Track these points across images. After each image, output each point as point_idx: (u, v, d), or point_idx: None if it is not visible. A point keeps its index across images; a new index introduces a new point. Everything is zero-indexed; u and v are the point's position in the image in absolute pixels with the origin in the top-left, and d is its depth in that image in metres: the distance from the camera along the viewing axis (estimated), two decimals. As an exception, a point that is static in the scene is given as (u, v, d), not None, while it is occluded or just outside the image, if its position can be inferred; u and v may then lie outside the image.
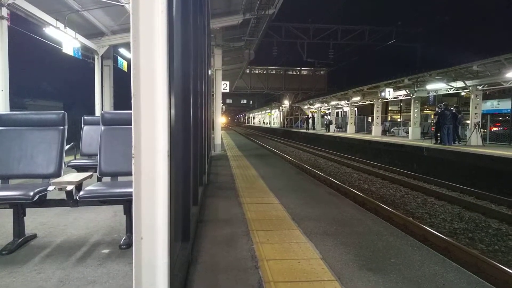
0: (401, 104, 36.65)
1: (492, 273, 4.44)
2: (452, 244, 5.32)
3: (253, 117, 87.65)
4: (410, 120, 19.57)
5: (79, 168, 4.69)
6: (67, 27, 8.97)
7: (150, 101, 1.53)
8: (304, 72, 43.46)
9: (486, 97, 24.69)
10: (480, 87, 14.85)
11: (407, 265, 2.84)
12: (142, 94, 1.52)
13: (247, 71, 36.67)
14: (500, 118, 25.51)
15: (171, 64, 1.63)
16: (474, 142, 14.32)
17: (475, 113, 14.66)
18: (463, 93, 19.43)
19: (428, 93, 19.24)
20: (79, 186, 2.90)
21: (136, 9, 1.50)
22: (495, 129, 18.83)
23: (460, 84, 15.51)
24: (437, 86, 17.15)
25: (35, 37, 8.72)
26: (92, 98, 11.47)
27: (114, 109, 12.61)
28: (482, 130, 14.82)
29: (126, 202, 3.06)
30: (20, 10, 7.28)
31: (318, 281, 2.49)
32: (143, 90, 1.52)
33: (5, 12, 6.61)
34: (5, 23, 6.64)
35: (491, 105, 26.78)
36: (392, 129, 25.10)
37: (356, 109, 29.35)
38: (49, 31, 8.35)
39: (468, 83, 14.88)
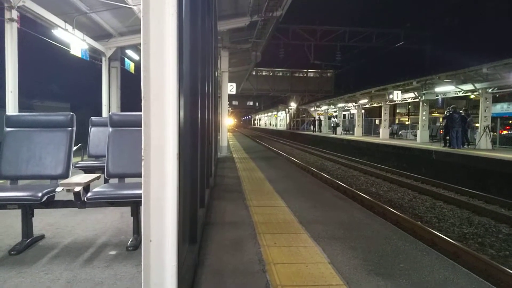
0: (409, 106, 36.45)
1: (503, 279, 4.36)
2: (462, 249, 5.24)
3: (259, 119, 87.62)
4: (418, 123, 19.40)
5: (87, 169, 4.71)
6: (75, 29, 9.05)
7: (160, 104, 1.52)
8: (311, 74, 43.31)
9: (496, 100, 24.36)
10: (489, 90, 14.65)
11: (416, 270, 2.79)
12: (152, 96, 1.52)
13: (254, 73, 36.65)
14: (510, 122, 25.16)
15: (181, 66, 1.63)
16: (483, 145, 14.14)
17: (485, 116, 14.46)
18: (472, 96, 19.20)
19: (436, 96, 19.04)
20: (86, 187, 2.91)
21: (147, 12, 1.50)
22: (505, 132, 18.55)
23: (469, 86, 15.32)
24: (446, 89, 16.98)
25: (43, 38, 8.80)
26: (99, 99, 11.55)
27: (121, 111, 12.68)
28: (491, 133, 14.63)
29: (133, 203, 3.06)
30: (30, 12, 7.36)
31: (326, 286, 2.46)
32: (153, 93, 1.52)
33: (15, 14, 6.69)
34: (15, 26, 6.72)
35: (501, 108, 26.45)
36: (400, 132, 24.90)
37: (363, 111, 29.19)
38: (57, 33, 8.44)
39: (478, 85, 14.70)
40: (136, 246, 3.01)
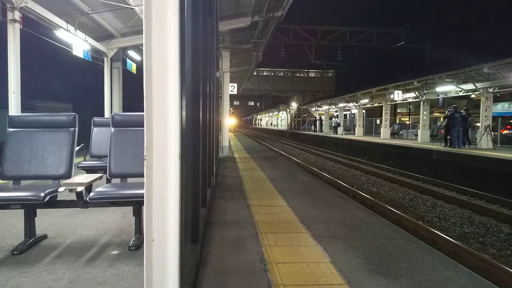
0: (410, 106, 36.40)
1: (504, 278, 4.36)
2: (463, 249, 5.24)
3: (260, 119, 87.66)
4: (419, 123, 19.39)
5: (89, 170, 4.72)
6: (77, 30, 9.07)
7: (162, 104, 1.53)
8: (311, 74, 43.33)
9: (497, 99, 24.35)
10: (490, 90, 14.64)
11: (418, 269, 2.80)
12: (154, 96, 1.53)
13: (255, 73, 36.65)
14: (511, 121, 25.12)
15: (183, 66, 1.64)
16: (484, 145, 14.13)
17: (486, 116, 14.45)
18: (473, 96, 19.18)
19: (437, 96, 19.03)
20: (89, 187, 2.92)
21: (149, 12, 1.51)
22: (506, 132, 18.53)
23: (470, 86, 15.31)
24: (447, 89, 16.97)
25: (45, 39, 8.83)
26: (101, 100, 11.57)
27: (123, 111, 12.70)
28: (492, 133, 14.61)
29: (135, 203, 3.07)
30: (32, 13, 7.39)
31: (328, 285, 2.47)
32: (155, 93, 1.53)
33: (17, 15, 6.72)
34: (18, 26, 6.74)
35: (502, 107, 26.46)
36: (401, 132, 24.89)
37: (364, 111, 29.16)
38: (59, 33, 8.46)
39: (479, 85, 14.69)
40: (138, 245, 3.02)
